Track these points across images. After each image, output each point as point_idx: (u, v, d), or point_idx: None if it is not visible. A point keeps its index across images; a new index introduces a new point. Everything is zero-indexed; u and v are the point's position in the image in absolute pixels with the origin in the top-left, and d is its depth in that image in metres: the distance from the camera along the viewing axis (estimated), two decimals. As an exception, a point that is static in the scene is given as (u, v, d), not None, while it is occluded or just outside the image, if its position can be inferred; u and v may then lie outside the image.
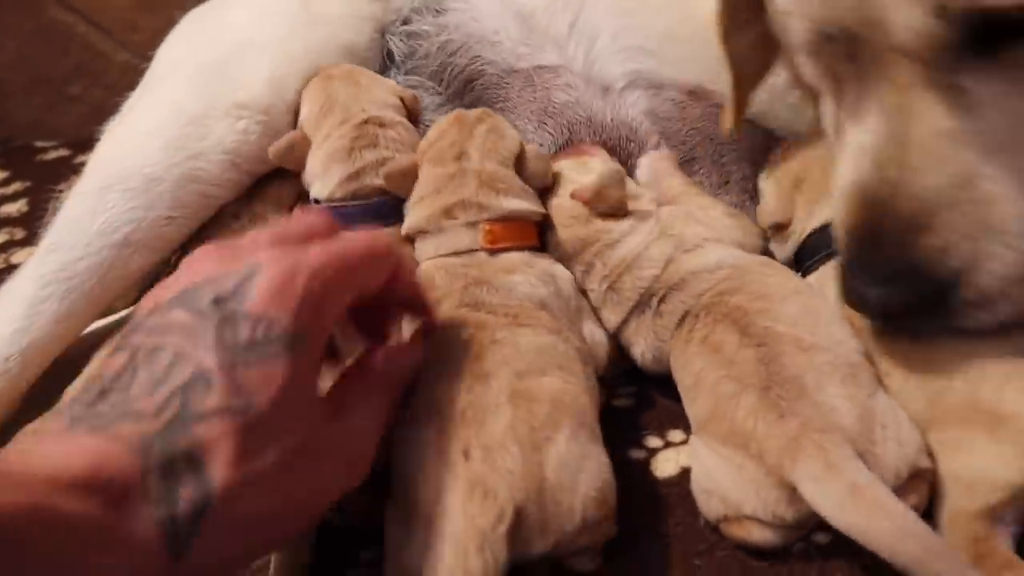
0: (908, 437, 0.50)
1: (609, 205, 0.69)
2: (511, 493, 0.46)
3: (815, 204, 0.67)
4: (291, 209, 0.78)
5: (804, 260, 0.67)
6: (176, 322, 0.42)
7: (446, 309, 0.60)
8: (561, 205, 0.71)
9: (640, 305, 0.65)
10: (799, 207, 0.69)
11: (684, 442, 0.62)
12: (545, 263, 0.67)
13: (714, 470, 0.53)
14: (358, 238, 0.49)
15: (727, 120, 0.73)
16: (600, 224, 0.69)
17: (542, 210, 0.70)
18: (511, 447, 0.48)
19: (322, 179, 0.74)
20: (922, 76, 0.48)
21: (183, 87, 0.79)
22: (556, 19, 0.86)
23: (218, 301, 0.42)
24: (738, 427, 0.52)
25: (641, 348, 0.66)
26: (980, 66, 0.46)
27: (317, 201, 0.74)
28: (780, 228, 0.70)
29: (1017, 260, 0.49)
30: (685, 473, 0.57)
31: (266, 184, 0.79)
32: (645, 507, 0.57)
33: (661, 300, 0.64)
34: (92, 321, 0.73)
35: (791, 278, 0.63)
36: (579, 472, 0.49)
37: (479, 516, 0.45)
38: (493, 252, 0.66)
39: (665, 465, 0.60)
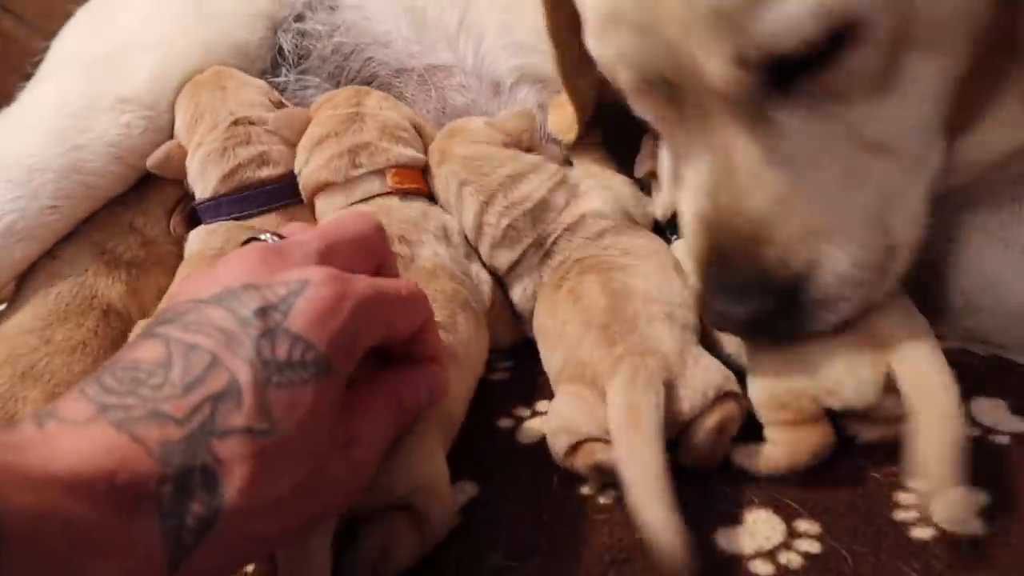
0: (717, 369, 0.55)
1: (519, 140, 0.74)
2: None
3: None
4: (175, 205, 0.80)
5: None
6: (216, 323, 0.42)
7: None
8: (476, 128, 0.75)
9: (534, 245, 0.69)
10: None
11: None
12: (437, 215, 0.72)
13: (559, 406, 0.57)
14: (401, 284, 0.50)
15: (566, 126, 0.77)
16: (511, 149, 0.74)
17: (425, 160, 0.76)
18: None
19: (202, 182, 0.76)
20: (735, 114, 0.51)
21: (70, 80, 0.80)
22: (445, 16, 0.89)
23: (262, 312, 0.42)
24: (582, 361, 0.56)
25: (524, 285, 0.69)
26: (782, 98, 0.50)
27: (200, 203, 0.76)
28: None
29: (848, 260, 0.53)
30: (544, 440, 0.60)
31: (153, 178, 0.80)
32: (506, 471, 0.59)
33: (555, 241, 0.68)
34: (-23, 312, 0.74)
35: (655, 239, 0.68)
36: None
37: None
38: (403, 194, 0.71)
39: (529, 432, 0.63)
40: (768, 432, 0.55)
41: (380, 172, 0.71)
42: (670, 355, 0.54)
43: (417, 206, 0.72)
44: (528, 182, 0.70)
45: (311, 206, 0.74)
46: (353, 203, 0.71)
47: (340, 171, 0.71)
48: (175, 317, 0.43)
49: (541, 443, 0.61)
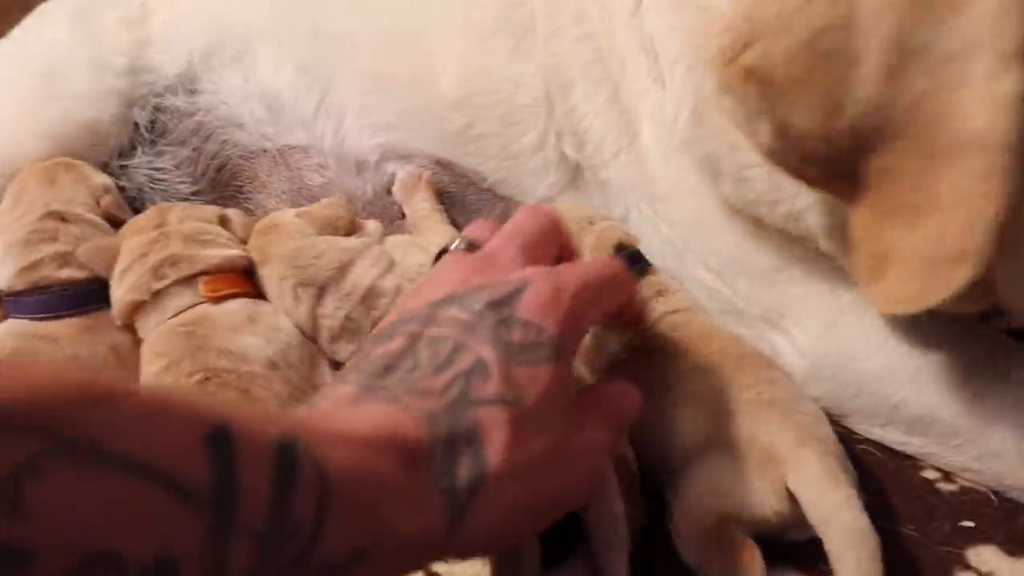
0: None
1: (335, 228, 0.73)
2: None
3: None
4: None
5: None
6: (453, 317, 0.45)
7: (174, 379, 0.61)
8: (288, 222, 0.73)
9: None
10: None
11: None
12: (268, 315, 0.69)
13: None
14: (600, 264, 0.52)
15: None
16: (329, 237, 0.72)
17: (247, 255, 0.72)
18: None
19: (2, 269, 0.72)
20: None
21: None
22: (301, 101, 0.87)
23: (492, 305, 0.45)
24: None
25: None
26: None
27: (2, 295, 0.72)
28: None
29: None
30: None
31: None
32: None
33: None
34: None
35: None
36: None
37: None
38: (217, 301, 0.67)
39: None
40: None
41: (190, 281, 0.68)
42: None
43: (236, 309, 0.68)
44: (355, 270, 0.69)
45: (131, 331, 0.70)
46: (168, 319, 0.67)
47: (144, 288, 0.67)
48: (410, 317, 0.46)
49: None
